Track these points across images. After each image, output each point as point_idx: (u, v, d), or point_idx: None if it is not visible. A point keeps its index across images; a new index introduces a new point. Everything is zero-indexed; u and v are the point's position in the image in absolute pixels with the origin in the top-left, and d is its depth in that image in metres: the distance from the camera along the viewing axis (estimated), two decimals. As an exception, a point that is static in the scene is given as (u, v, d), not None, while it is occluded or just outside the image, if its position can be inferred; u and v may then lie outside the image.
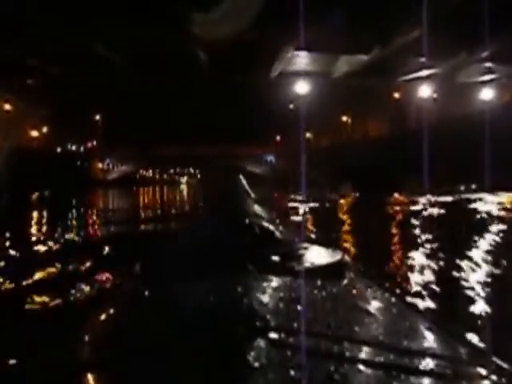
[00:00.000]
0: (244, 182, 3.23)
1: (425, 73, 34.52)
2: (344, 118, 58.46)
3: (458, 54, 29.51)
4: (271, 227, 2.27)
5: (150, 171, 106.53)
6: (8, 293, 5.31)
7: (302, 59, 33.45)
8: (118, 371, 1.17)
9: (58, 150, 60.84)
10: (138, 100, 62.73)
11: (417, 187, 21.48)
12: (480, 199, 16.80)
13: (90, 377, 1.15)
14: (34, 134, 56.45)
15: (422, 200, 18.64)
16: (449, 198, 18.01)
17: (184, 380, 1.08)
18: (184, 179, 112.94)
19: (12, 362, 2.31)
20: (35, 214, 17.90)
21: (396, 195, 21.12)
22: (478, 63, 31.73)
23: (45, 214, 18.67)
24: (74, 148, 66.20)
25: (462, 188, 22.26)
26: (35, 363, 1.35)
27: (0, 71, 30.12)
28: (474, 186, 22.10)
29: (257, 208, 2.72)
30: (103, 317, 1.69)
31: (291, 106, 62.65)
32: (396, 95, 45.69)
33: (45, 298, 4.67)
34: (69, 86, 40.64)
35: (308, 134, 65.91)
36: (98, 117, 66.67)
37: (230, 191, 3.20)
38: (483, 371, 1.18)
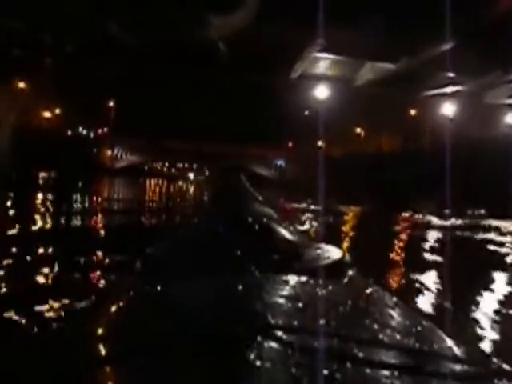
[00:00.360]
0: (246, 181, 3.25)
1: (450, 89, 33.84)
2: (358, 130, 58.13)
3: (488, 73, 28.69)
4: (273, 226, 2.28)
5: (159, 164, 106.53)
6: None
7: (325, 63, 32.70)
8: (117, 371, 1.16)
9: (69, 132, 60.82)
10: (153, 91, 62.65)
11: (426, 207, 21.15)
12: (495, 228, 15.70)
13: (89, 376, 1.14)
14: (47, 114, 56.50)
15: (430, 221, 18.17)
16: (457, 222, 17.43)
17: (184, 380, 1.06)
18: (191, 175, 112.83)
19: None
20: (39, 196, 17.72)
21: (404, 214, 20.59)
22: (508, 84, 30.92)
23: (49, 196, 18.36)
24: (84, 132, 66.12)
25: (470, 212, 21.65)
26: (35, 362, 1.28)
27: (16, 48, 30.01)
28: (482, 211, 21.57)
29: (259, 207, 2.74)
30: (102, 315, 1.68)
31: (307, 112, 62.63)
32: (412, 112, 45.35)
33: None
34: (83, 66, 40.36)
35: (320, 143, 65.77)
36: (111, 103, 66.79)
37: (232, 190, 3.25)
38: (484, 371, 1.19)
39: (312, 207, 17.22)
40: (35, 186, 22.87)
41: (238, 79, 38.67)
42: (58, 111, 58.05)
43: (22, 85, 47.11)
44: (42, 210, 13.30)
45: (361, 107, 42.71)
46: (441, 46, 24.99)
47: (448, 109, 36.62)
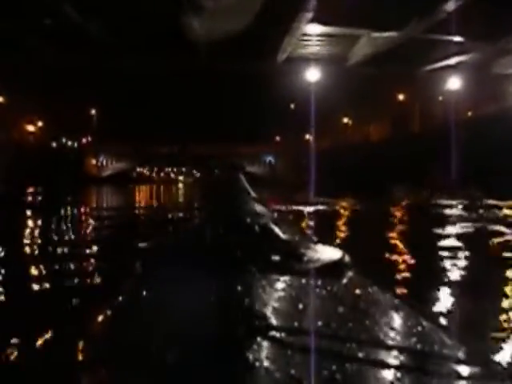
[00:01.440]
0: (244, 180, 3.24)
1: (455, 60, 30.78)
2: (345, 120, 57.84)
3: (499, 39, 25.84)
4: (271, 227, 2.24)
5: (147, 169, 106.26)
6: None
7: (314, 40, 29.20)
8: (117, 371, 1.17)
9: (54, 144, 60.21)
10: (134, 95, 62.31)
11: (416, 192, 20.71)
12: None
13: (89, 376, 1.17)
14: (30, 128, 55.95)
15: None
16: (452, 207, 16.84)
17: (184, 379, 1.07)
18: (181, 178, 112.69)
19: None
20: (28, 212, 16.93)
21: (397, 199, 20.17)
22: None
23: (36, 213, 17.26)
24: (69, 143, 65.52)
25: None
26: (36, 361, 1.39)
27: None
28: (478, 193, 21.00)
29: (257, 207, 2.70)
30: (102, 316, 1.70)
31: (292, 106, 62.21)
32: (406, 92, 44.64)
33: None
34: (62, 70, 39.35)
35: (307, 136, 65.51)
36: (93, 111, 66.14)
37: (230, 190, 3.23)
38: (485, 372, 1.19)
39: (302, 207, 16.54)
40: (22, 203, 22.25)
41: (218, 68, 34.84)
42: (40, 124, 57.31)
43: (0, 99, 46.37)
44: (31, 226, 12.48)
45: (352, 92, 40.94)
46: (446, 7, 22.46)
47: (454, 83, 34.13)
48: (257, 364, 1.06)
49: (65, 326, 3.57)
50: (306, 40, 29.52)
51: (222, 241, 2.02)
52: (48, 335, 3.32)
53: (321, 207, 16.58)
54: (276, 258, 1.85)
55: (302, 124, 59.09)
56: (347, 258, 1.97)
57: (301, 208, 15.91)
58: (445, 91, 35.09)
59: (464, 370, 1.20)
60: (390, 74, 34.95)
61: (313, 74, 33.03)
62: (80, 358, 1.29)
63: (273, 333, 1.21)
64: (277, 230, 2.23)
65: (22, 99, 46.96)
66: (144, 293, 1.81)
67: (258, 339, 1.16)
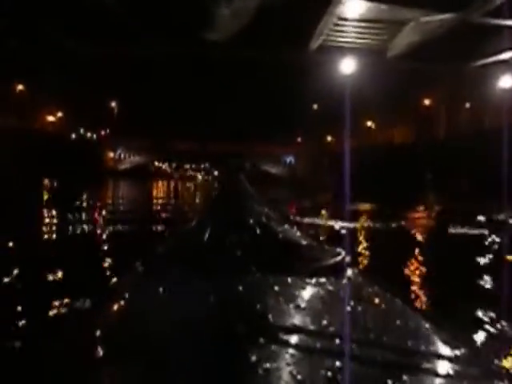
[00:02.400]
0: (245, 180, 3.21)
1: (508, 55, 27.27)
2: (368, 123, 56.96)
3: None
4: (273, 227, 2.28)
5: (166, 164, 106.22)
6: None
7: (351, 26, 25.66)
8: (118, 370, 1.17)
9: (73, 136, 60.21)
10: (156, 89, 61.99)
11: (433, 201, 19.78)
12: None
13: (89, 376, 1.16)
14: (50, 118, 55.97)
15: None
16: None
17: (185, 379, 1.08)
18: (199, 175, 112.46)
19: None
20: (43, 205, 17.07)
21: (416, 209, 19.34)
22: None
23: (51, 206, 17.37)
24: (89, 135, 65.49)
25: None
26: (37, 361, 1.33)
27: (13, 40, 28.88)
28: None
29: (259, 207, 2.69)
30: (104, 314, 1.69)
31: (315, 106, 61.50)
32: (426, 102, 43.72)
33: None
34: (83, 62, 39.00)
35: (329, 138, 64.80)
36: (113, 104, 66.07)
37: (232, 190, 3.22)
38: (482, 372, 1.22)
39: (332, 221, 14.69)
40: (38, 195, 21.93)
41: (244, 57, 31.53)
42: (60, 114, 57.34)
43: (20, 87, 46.32)
44: (46, 220, 12.81)
45: (384, 89, 37.90)
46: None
47: (507, 81, 30.27)
48: (259, 364, 1.06)
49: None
50: (342, 25, 26.53)
51: (223, 241, 2.01)
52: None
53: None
54: (278, 257, 1.85)
55: (324, 125, 58.58)
56: (348, 259, 1.97)
57: (331, 223, 13.49)
58: (497, 90, 31.58)
59: (462, 369, 1.21)
60: (434, 70, 31.79)
61: (348, 65, 29.36)
62: (76, 358, 1.26)
63: (274, 332, 1.22)
64: (279, 230, 2.27)
65: (42, 89, 47.03)
66: (144, 292, 1.80)
67: (260, 339, 1.17)
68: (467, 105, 37.94)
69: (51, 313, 4.42)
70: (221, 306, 1.41)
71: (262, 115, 65.06)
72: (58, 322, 4.13)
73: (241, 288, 1.55)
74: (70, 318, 3.74)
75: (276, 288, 1.60)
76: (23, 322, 4.16)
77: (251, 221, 2.27)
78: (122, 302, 1.83)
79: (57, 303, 4.65)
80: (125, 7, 25.27)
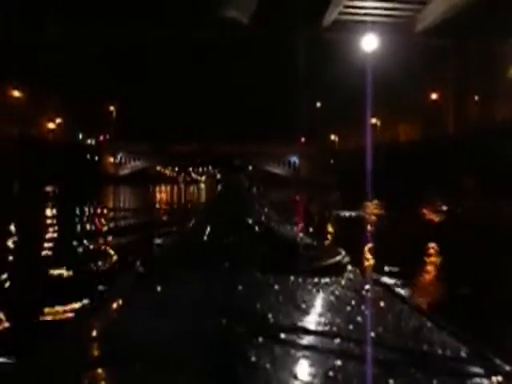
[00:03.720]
0: (245, 181, 3.34)
1: None
2: (373, 121, 56.20)
3: None
4: (273, 226, 2.32)
5: (169, 168, 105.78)
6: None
7: None
8: (116, 371, 1.16)
9: (71, 141, 59.51)
10: (155, 91, 61.49)
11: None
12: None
13: (88, 376, 1.16)
14: (50, 125, 55.72)
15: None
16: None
17: (184, 379, 1.08)
18: (203, 179, 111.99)
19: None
20: (43, 211, 16.98)
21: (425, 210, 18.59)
22: None
23: (50, 213, 17.55)
24: (89, 141, 64.96)
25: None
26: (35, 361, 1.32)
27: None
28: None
29: (259, 207, 2.72)
30: (100, 315, 1.70)
31: (319, 104, 60.82)
32: (433, 96, 42.74)
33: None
34: (82, 65, 38.69)
35: (333, 136, 64.16)
36: (112, 108, 65.36)
37: (231, 190, 3.35)
38: (484, 370, 1.20)
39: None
40: (39, 202, 21.53)
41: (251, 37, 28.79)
42: (58, 120, 56.86)
43: (16, 93, 45.66)
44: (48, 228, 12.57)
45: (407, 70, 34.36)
46: None
47: None
48: (258, 364, 1.06)
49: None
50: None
51: (222, 240, 2.03)
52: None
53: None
54: (277, 257, 1.86)
55: (328, 123, 57.93)
56: (348, 258, 1.97)
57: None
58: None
59: (464, 367, 1.22)
60: (466, 47, 29.15)
61: (369, 43, 26.16)
62: (72, 359, 1.25)
63: (274, 332, 1.21)
64: (278, 229, 2.32)
65: (40, 94, 46.64)
66: (143, 292, 1.79)
67: (260, 339, 1.17)
68: (476, 98, 37.05)
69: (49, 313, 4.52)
70: (220, 305, 1.39)
71: (264, 114, 64.46)
72: (58, 324, 4.15)
73: (240, 287, 1.56)
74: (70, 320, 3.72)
75: (276, 287, 1.61)
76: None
77: (251, 220, 2.28)
78: (120, 302, 1.80)
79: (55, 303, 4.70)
80: None
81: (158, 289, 1.75)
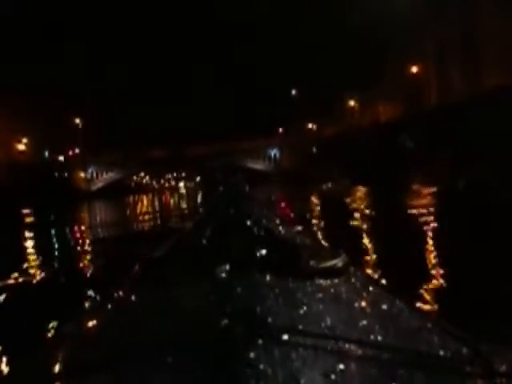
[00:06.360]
0: (243, 181, 3.56)
1: None
2: (351, 103, 55.23)
3: None
4: (271, 227, 2.37)
5: (143, 177, 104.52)
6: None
7: None
8: (116, 372, 1.19)
9: (39, 159, 58.10)
10: (120, 95, 60.29)
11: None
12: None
13: (89, 377, 1.19)
14: (18, 146, 54.47)
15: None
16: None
17: (183, 380, 1.11)
18: (181, 184, 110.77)
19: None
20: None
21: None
22: None
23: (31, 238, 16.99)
24: (60, 157, 63.30)
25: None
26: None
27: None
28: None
29: (258, 208, 2.86)
30: (102, 316, 1.76)
31: (294, 92, 59.82)
32: (414, 69, 41.53)
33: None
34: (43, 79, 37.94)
35: (310, 125, 63.16)
36: (77, 120, 63.54)
37: (229, 191, 3.57)
38: (484, 371, 1.22)
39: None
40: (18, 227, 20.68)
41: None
42: (24, 140, 55.35)
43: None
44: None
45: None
46: None
47: None
48: (257, 365, 1.07)
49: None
50: None
51: (221, 242, 2.04)
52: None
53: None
54: (276, 258, 1.87)
55: (305, 111, 57.00)
56: (348, 260, 1.96)
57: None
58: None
59: (463, 368, 1.23)
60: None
61: None
62: (71, 360, 1.31)
63: (273, 333, 1.22)
64: (277, 229, 2.45)
65: (4, 116, 45.47)
66: (142, 294, 1.83)
67: (259, 340, 1.17)
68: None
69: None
70: (219, 307, 1.39)
71: (237, 108, 63.42)
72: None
73: (240, 289, 1.56)
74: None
75: (276, 289, 1.62)
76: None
77: (249, 221, 2.33)
78: (120, 304, 1.84)
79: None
80: None
81: (157, 291, 1.76)
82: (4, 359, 4.18)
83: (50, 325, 4.83)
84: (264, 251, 1.90)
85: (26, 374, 1.33)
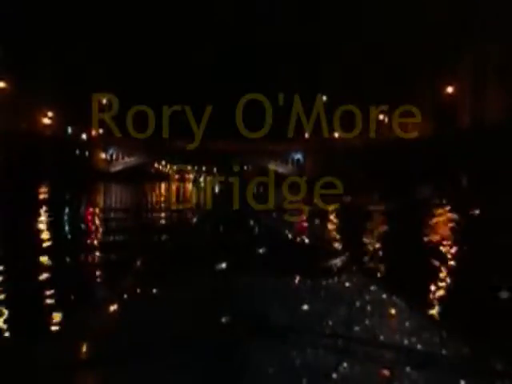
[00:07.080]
0: (245, 183, 3.15)
1: None
2: (380, 117, 54.52)
3: None
4: (273, 227, 2.51)
5: (165, 165, 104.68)
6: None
7: None
8: (118, 370, 1.19)
9: (62, 136, 57.94)
10: (151, 84, 60.23)
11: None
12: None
13: (90, 375, 1.20)
14: (42, 120, 54.18)
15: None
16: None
17: (184, 379, 1.10)
18: (201, 178, 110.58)
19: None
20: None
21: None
22: None
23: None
24: (83, 136, 63.31)
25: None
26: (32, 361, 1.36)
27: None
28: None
29: (258, 208, 3.51)
30: (103, 314, 1.75)
31: (324, 98, 59.28)
32: (449, 89, 40.84)
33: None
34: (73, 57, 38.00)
35: (336, 134, 62.59)
36: (104, 101, 63.49)
37: (230, 192, 5.57)
38: (484, 370, 1.24)
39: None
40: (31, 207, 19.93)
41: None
42: (50, 114, 55.17)
43: (1, 84, 43.51)
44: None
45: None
46: None
47: None
48: (256, 362, 1.08)
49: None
50: None
51: (222, 241, 2.11)
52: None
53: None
54: (278, 257, 1.91)
55: (332, 118, 56.57)
56: (347, 259, 2.01)
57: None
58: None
59: (463, 367, 1.23)
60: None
61: None
62: (72, 357, 1.28)
63: (274, 331, 1.23)
64: (279, 230, 2.56)
65: (31, 87, 45.33)
66: (143, 292, 1.81)
67: (257, 337, 1.18)
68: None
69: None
70: (221, 305, 1.41)
71: (266, 109, 63.11)
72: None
73: (241, 288, 1.57)
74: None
75: (277, 288, 1.64)
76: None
77: (252, 222, 2.43)
78: (121, 302, 1.82)
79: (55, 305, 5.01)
80: None
81: (158, 289, 1.76)
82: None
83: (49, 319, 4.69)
84: (265, 250, 1.96)
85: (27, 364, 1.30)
